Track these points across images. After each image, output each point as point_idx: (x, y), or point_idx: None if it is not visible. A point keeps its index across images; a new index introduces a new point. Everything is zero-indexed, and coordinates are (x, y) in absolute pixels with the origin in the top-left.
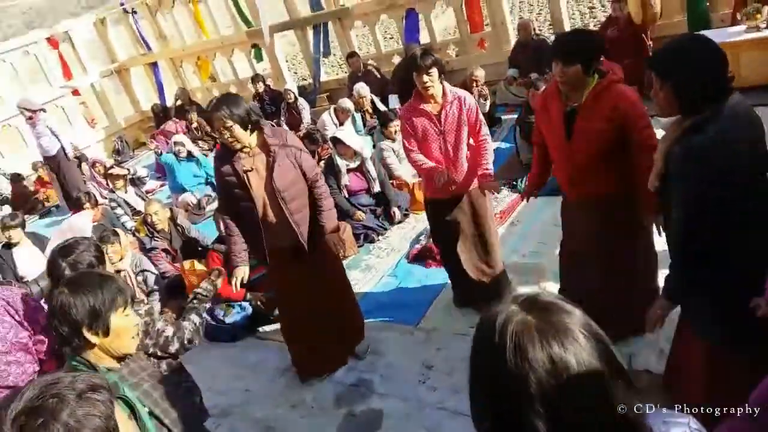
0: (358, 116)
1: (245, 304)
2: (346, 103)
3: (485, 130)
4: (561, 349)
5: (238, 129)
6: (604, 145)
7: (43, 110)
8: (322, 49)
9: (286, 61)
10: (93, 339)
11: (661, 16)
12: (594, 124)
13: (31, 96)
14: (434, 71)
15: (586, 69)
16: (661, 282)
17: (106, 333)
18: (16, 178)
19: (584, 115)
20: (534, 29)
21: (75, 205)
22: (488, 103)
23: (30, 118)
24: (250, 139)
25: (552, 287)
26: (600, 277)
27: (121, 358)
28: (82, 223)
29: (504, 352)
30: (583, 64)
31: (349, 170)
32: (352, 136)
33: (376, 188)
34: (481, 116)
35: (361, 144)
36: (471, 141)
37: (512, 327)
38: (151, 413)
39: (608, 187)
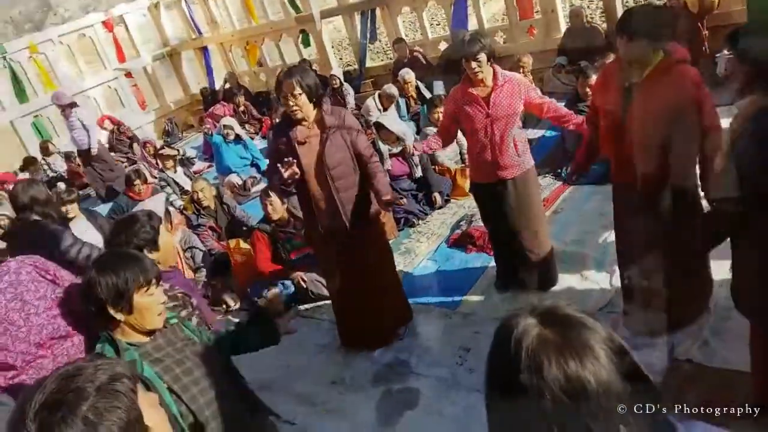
0: (402, 102)
1: (287, 282)
2: (391, 88)
3: (546, 99)
4: (578, 367)
5: (304, 99)
6: (660, 125)
7: (75, 104)
8: (368, 35)
9: (332, 47)
10: (117, 316)
11: (719, 5)
12: (653, 102)
13: (65, 89)
14: (482, 56)
15: (650, 45)
16: (713, 273)
17: (130, 311)
18: (68, 157)
19: (644, 92)
20: (586, 17)
21: (127, 183)
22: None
23: (63, 111)
24: (311, 112)
25: (594, 275)
26: (651, 264)
27: (149, 332)
28: (152, 206)
29: (518, 366)
30: (648, 40)
31: (391, 155)
32: (395, 121)
33: (418, 173)
34: (537, 93)
35: (404, 129)
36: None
37: (528, 341)
38: (170, 389)
39: (659, 169)
